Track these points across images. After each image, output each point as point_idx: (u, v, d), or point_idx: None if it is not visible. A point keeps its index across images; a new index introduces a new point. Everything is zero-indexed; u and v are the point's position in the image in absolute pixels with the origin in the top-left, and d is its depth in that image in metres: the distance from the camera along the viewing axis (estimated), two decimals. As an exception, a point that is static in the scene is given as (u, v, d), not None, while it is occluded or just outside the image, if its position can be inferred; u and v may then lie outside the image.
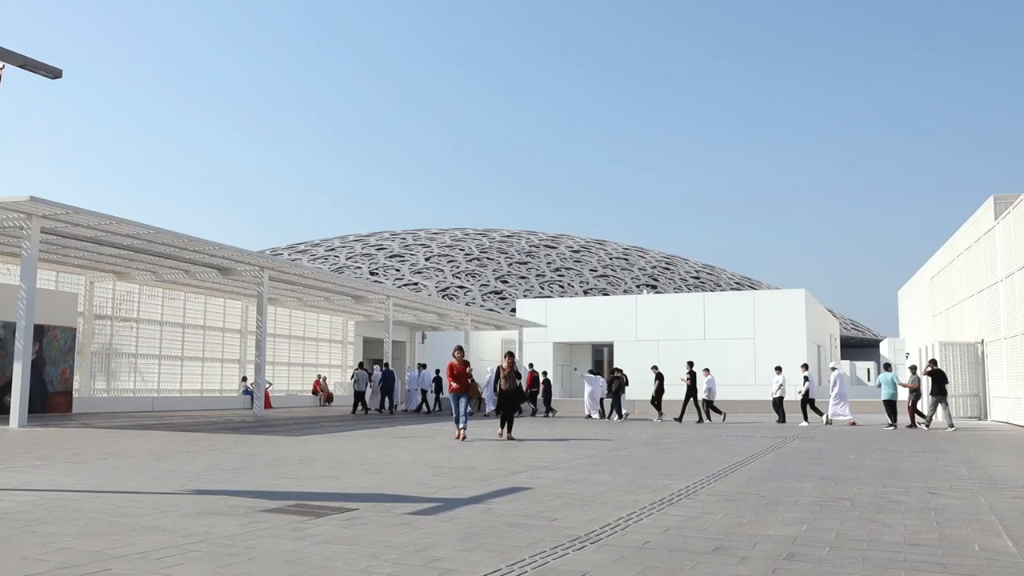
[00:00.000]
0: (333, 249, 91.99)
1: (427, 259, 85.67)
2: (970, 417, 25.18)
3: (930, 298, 33.65)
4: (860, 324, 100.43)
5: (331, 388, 37.03)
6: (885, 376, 21.50)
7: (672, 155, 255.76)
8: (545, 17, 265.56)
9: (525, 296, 70.90)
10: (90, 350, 26.97)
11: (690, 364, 24.80)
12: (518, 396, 15.71)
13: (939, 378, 20.02)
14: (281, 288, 29.62)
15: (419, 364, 33.12)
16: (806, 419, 22.40)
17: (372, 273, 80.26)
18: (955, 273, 28.53)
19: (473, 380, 15.95)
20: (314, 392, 36.47)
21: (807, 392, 22.41)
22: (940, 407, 20.21)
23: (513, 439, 15.01)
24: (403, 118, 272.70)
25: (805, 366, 23.49)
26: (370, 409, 28.97)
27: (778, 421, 23.03)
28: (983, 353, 24.73)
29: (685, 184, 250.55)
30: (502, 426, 15.46)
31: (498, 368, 15.21)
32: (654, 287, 78.94)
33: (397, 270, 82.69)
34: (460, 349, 15.32)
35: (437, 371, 30.41)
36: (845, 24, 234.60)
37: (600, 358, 44.59)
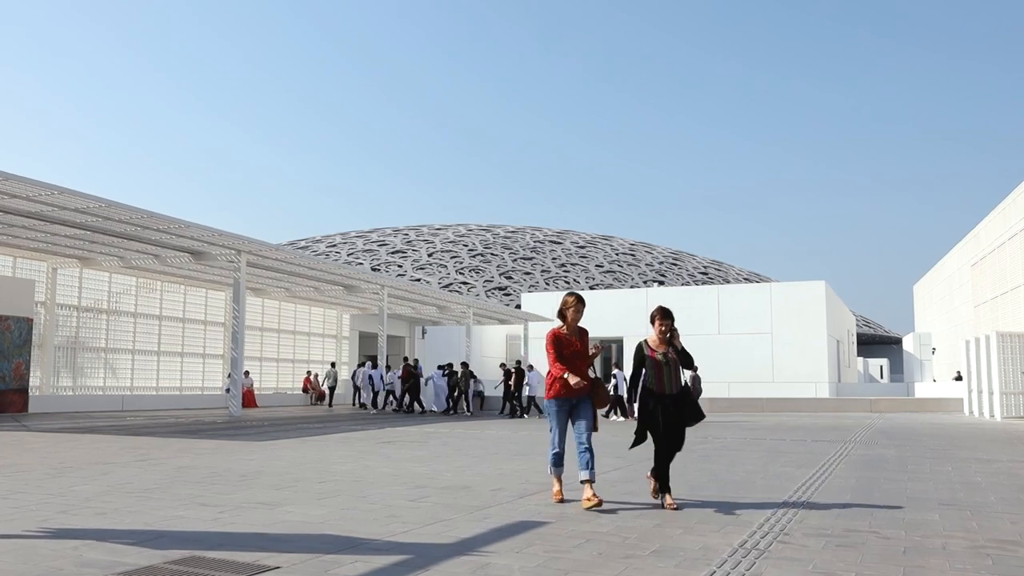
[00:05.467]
0: (335, 245, 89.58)
1: (430, 255, 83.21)
2: (1027, 417, 22.54)
3: (971, 287, 30.95)
4: (871, 321, 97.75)
5: (323, 386, 34.52)
6: (533, 376, 24.94)
7: (681, 154, 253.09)
8: (552, 15, 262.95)
9: (530, 291, 68.33)
10: (53, 343, 24.48)
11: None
12: (688, 407, 6.81)
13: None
14: (265, 276, 27.13)
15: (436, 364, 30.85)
16: (614, 415, 23.30)
17: (374, 269, 77.78)
18: (1006, 257, 25.87)
19: (601, 385, 6.97)
20: (304, 390, 34.01)
21: (615, 388, 23.52)
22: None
23: (676, 505, 6.56)
24: (407, 116, 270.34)
25: (618, 364, 24.58)
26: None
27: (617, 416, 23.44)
28: (1045, 345, 22.10)
29: (692, 183, 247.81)
30: (659, 482, 6.74)
31: (639, 347, 6.98)
32: (662, 283, 76.38)
33: (399, 266, 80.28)
34: (579, 301, 6.93)
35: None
36: (859, 27, 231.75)
37: (608, 354, 42.03)
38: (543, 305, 41.77)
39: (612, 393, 23.35)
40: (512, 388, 25.19)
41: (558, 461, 6.87)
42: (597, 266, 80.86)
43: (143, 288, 27.74)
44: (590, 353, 6.92)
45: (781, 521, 5.96)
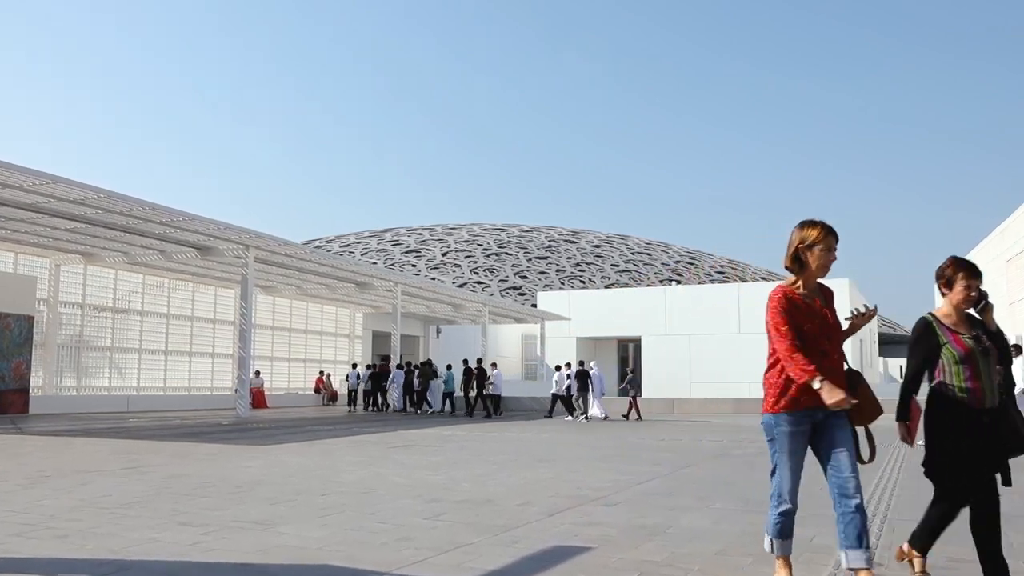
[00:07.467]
0: (348, 245, 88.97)
1: (444, 254, 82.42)
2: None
3: (1006, 284, 29.74)
4: (889, 320, 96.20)
5: (335, 386, 33.68)
6: (450, 374, 26.22)
7: (688, 154, 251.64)
8: (560, 16, 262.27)
9: (545, 291, 67.43)
10: (56, 342, 23.73)
11: None
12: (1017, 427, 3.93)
13: (582, 376, 22.59)
14: (275, 273, 26.32)
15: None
16: (571, 414, 22.88)
17: (388, 268, 77.12)
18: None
19: (864, 384, 3.79)
20: (316, 390, 33.18)
21: (568, 388, 23.23)
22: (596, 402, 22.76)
23: None
24: (417, 116, 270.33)
25: (558, 367, 24.22)
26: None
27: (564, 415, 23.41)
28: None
29: (699, 183, 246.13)
30: (991, 563, 3.83)
31: (926, 325, 3.99)
32: (679, 281, 75.31)
33: (413, 265, 79.54)
34: (830, 233, 3.81)
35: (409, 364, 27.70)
36: (866, 27, 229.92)
37: (626, 354, 41.01)
38: (559, 304, 40.83)
39: (566, 392, 22.94)
40: (474, 387, 24.92)
41: (786, 528, 3.75)
42: (613, 265, 79.82)
43: (150, 286, 26.98)
44: (845, 328, 3.89)
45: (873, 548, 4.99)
